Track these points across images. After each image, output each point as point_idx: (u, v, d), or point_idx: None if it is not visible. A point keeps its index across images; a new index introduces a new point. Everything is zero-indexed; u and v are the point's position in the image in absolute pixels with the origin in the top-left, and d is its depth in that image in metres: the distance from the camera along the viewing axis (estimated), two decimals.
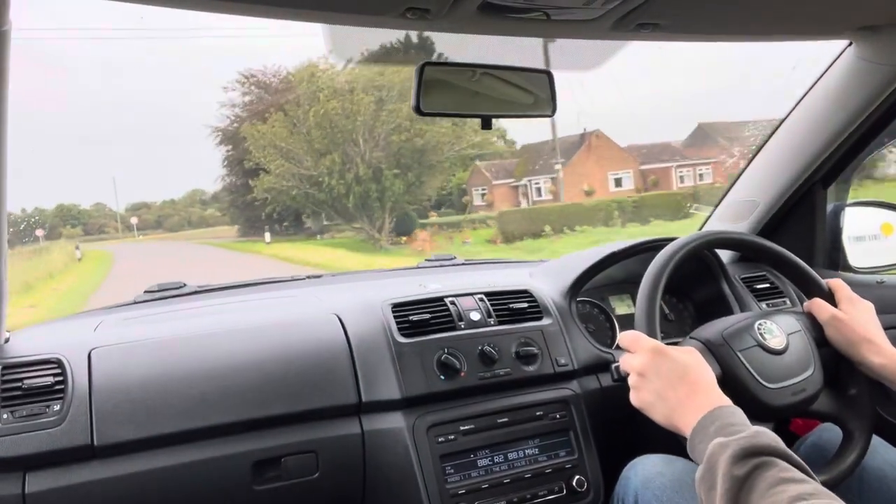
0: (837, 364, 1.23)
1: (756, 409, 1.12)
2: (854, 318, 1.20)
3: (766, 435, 0.83)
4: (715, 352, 1.14)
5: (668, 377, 0.98)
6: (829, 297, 1.25)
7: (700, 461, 0.86)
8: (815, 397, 1.17)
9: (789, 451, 0.81)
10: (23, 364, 1.18)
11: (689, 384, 0.97)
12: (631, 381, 1.04)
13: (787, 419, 1.25)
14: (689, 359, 1.01)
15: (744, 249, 1.44)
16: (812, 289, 1.28)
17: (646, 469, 1.14)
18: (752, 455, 0.79)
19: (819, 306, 1.23)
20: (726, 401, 0.94)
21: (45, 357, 1.20)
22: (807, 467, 0.80)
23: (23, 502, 1.07)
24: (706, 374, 0.99)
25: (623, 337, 1.09)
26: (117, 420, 1.14)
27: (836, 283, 1.27)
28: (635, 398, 1.03)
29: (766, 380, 1.12)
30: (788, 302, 1.71)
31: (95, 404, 1.15)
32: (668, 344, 1.19)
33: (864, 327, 1.18)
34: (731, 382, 1.10)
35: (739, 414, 0.91)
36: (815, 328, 1.23)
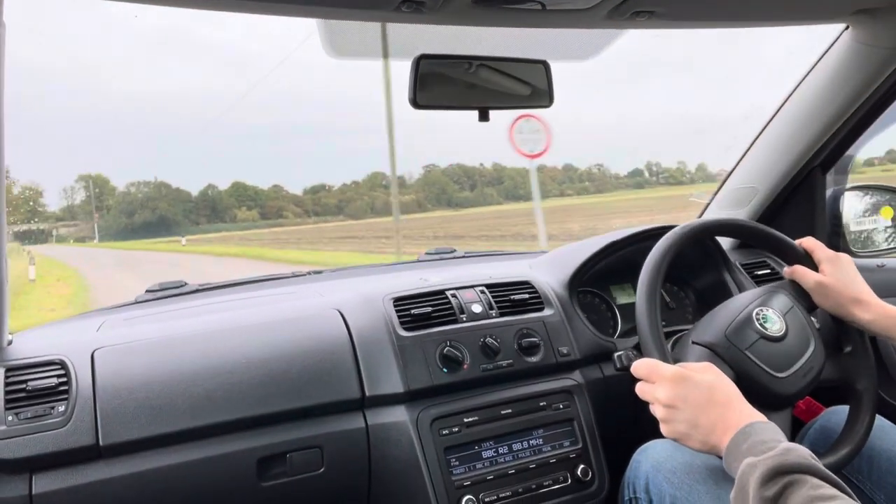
0: (830, 323, 1.26)
1: (774, 401, 1.13)
2: (838, 279, 1.20)
3: (797, 452, 0.80)
4: (723, 355, 1.14)
5: (698, 403, 0.94)
6: (808, 259, 1.26)
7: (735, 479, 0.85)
8: (821, 370, 1.18)
9: (820, 467, 0.78)
10: (26, 366, 1.18)
11: (720, 405, 0.93)
12: (659, 414, 0.99)
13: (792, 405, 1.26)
14: (712, 378, 0.97)
15: (734, 234, 1.45)
16: (788, 254, 1.29)
17: (656, 453, 1.14)
18: (782, 474, 0.77)
19: (802, 273, 1.24)
20: (758, 416, 0.92)
21: (48, 358, 1.20)
22: (840, 482, 0.77)
23: (30, 503, 1.08)
24: (731, 388, 0.96)
25: (638, 367, 1.03)
26: (122, 420, 1.15)
27: (811, 243, 1.27)
28: (669, 431, 0.98)
29: (776, 370, 1.12)
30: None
31: (100, 404, 1.15)
32: (668, 333, 1.20)
33: (849, 287, 1.19)
34: (746, 382, 1.10)
35: (771, 429, 0.88)
36: (803, 296, 1.24)
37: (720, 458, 0.92)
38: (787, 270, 1.27)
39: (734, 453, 0.87)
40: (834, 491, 0.75)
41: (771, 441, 0.85)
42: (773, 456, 0.80)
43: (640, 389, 1.03)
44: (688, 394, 0.95)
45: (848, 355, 1.25)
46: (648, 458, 1.14)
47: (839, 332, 1.26)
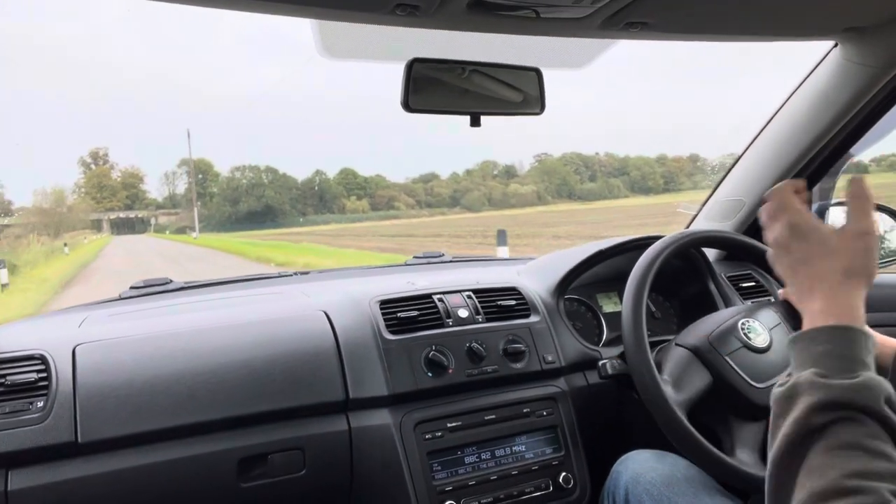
0: None
1: (750, 410, 1.14)
2: None
3: (873, 391, 0.65)
4: (704, 358, 1.15)
5: (811, 261, 0.78)
6: None
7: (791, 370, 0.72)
8: None
9: (890, 416, 0.65)
10: (6, 360, 1.16)
11: (829, 281, 0.76)
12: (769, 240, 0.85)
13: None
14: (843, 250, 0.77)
15: (720, 246, 1.46)
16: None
17: (636, 464, 1.14)
18: (841, 408, 0.65)
19: None
20: (860, 318, 0.73)
21: (28, 353, 1.18)
22: None
23: (5, 500, 1.06)
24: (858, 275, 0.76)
25: (776, 192, 0.84)
26: (102, 417, 1.13)
27: None
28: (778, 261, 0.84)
29: (755, 380, 1.13)
30: (773, 300, 1.72)
31: (80, 401, 1.13)
32: (653, 343, 1.20)
33: None
34: (723, 388, 1.11)
35: (862, 344, 0.70)
36: (793, 317, 1.25)
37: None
38: (781, 292, 1.27)
39: (807, 348, 0.72)
40: (891, 451, 0.63)
41: (853, 364, 0.68)
42: (844, 386, 0.66)
43: (767, 211, 0.86)
44: (808, 248, 0.80)
45: None
46: (628, 469, 1.14)
47: None
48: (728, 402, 1.03)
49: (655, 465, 1.12)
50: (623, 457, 1.19)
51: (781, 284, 1.33)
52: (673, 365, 1.22)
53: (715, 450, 1.08)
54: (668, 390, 1.14)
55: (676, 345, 1.20)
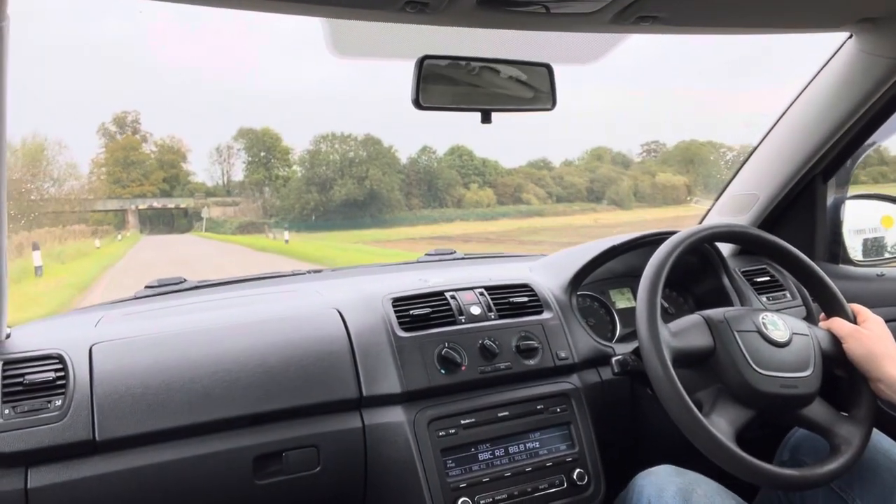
0: (844, 383, 1.23)
1: (741, 389, 1.13)
2: (876, 333, 1.21)
3: None
4: (712, 326, 1.17)
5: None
6: (851, 320, 1.26)
7: None
8: (805, 399, 1.16)
9: None
10: (24, 360, 1.18)
11: None
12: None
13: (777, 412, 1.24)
14: None
15: (735, 240, 1.44)
16: (836, 310, 1.27)
17: (659, 478, 1.15)
18: None
19: (840, 323, 1.24)
20: None
21: (46, 352, 1.20)
22: None
23: (25, 498, 1.08)
24: None
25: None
26: (119, 415, 1.15)
27: (858, 307, 1.28)
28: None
29: (757, 364, 1.13)
30: (788, 295, 1.71)
31: (97, 399, 1.15)
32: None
33: (885, 341, 1.20)
34: (722, 357, 1.13)
35: None
36: (830, 343, 1.22)
37: None
38: (825, 323, 1.27)
39: None
40: None
41: None
42: None
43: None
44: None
45: (846, 420, 1.19)
46: (652, 484, 1.14)
47: (852, 395, 1.22)
48: (723, 375, 1.03)
49: (677, 479, 1.13)
50: (646, 471, 1.19)
51: (817, 302, 1.32)
52: (681, 322, 1.23)
53: (729, 444, 1.08)
54: (663, 332, 1.14)
55: (696, 313, 1.21)
